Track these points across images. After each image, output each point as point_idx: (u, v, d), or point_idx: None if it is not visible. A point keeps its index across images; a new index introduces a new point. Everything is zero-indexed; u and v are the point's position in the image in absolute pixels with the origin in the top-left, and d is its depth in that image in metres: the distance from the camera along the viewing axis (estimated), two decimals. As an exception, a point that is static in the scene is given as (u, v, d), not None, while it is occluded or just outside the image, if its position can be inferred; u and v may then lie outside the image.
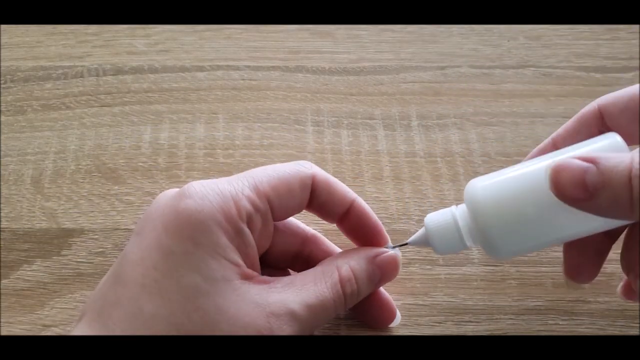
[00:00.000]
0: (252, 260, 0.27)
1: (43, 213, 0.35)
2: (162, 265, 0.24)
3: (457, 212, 0.28)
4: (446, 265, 0.33)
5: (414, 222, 0.35)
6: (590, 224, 0.25)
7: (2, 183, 0.36)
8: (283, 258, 0.30)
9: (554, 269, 0.33)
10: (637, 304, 0.32)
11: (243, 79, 0.41)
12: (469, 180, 0.35)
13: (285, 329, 0.25)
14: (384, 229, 0.30)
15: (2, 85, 0.40)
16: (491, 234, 0.26)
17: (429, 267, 0.33)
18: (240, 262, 0.26)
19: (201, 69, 0.41)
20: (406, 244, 0.29)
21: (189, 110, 0.39)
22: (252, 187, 0.27)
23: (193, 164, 0.37)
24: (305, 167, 0.29)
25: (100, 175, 0.37)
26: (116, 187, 0.36)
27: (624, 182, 0.22)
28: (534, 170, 0.26)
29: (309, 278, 0.27)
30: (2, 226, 0.35)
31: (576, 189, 0.23)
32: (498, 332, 0.31)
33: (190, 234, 0.25)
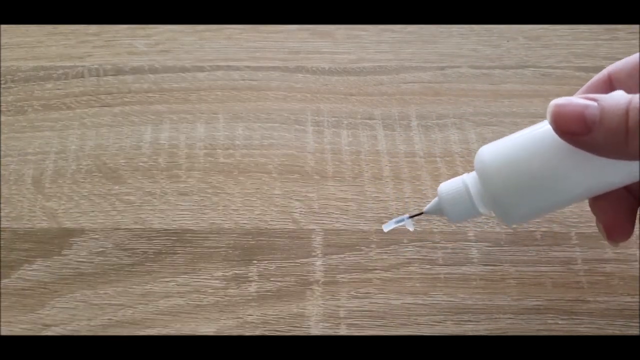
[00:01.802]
0: None
1: (44, 213, 0.35)
2: None
3: (468, 179, 0.28)
4: (446, 265, 0.33)
5: (413, 222, 0.35)
6: (601, 178, 0.25)
7: (2, 183, 0.36)
8: None
9: (554, 269, 0.33)
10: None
11: (243, 79, 0.41)
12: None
13: None
14: None
15: (2, 86, 0.40)
16: (501, 198, 0.26)
17: (428, 266, 0.33)
18: None
19: (201, 69, 0.41)
20: (421, 213, 0.29)
21: (189, 110, 0.39)
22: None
23: (193, 164, 0.37)
24: None
25: (100, 175, 0.37)
26: (117, 187, 0.36)
27: (621, 114, 0.22)
28: (540, 130, 0.26)
29: None
30: (2, 226, 0.35)
31: (575, 123, 0.23)
32: (497, 332, 0.32)
33: None
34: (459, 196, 0.28)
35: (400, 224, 0.30)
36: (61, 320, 0.32)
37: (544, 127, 0.26)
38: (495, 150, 0.26)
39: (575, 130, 0.23)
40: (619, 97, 0.23)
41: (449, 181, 0.28)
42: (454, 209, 0.28)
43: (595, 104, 0.23)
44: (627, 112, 0.22)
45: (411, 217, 0.30)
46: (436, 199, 0.29)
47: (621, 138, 0.22)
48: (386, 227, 0.31)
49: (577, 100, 0.23)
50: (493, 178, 0.26)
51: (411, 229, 0.31)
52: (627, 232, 0.28)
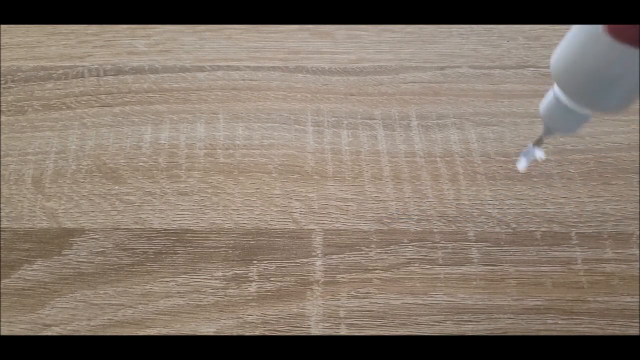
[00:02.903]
0: None
1: (44, 213, 0.35)
2: None
3: (556, 91, 0.27)
4: (445, 265, 0.33)
5: (413, 222, 0.35)
6: None
7: (2, 183, 0.36)
8: None
9: (554, 269, 0.33)
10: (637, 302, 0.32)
11: (243, 79, 0.41)
12: (468, 180, 0.36)
13: None
14: None
15: (2, 86, 0.40)
16: (586, 103, 0.26)
17: (428, 266, 0.33)
18: None
19: (201, 69, 0.41)
20: (541, 138, 0.29)
21: (190, 110, 0.39)
22: None
23: (193, 164, 0.37)
24: None
25: (100, 175, 0.37)
26: (117, 187, 0.36)
27: None
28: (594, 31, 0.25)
29: None
30: (3, 226, 0.35)
31: (632, 29, 0.22)
32: (497, 332, 0.32)
33: None
34: (557, 110, 0.27)
35: (532, 157, 0.30)
36: (61, 320, 0.32)
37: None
38: (559, 58, 0.26)
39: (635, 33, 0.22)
40: None
41: (544, 99, 0.28)
42: (561, 123, 0.28)
43: None
44: None
45: (535, 145, 0.30)
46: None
47: None
48: (520, 165, 0.31)
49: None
50: (566, 86, 0.26)
51: (543, 156, 0.30)
52: None
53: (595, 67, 0.25)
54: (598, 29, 0.24)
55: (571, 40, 0.26)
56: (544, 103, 0.28)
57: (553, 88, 0.28)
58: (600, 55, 0.25)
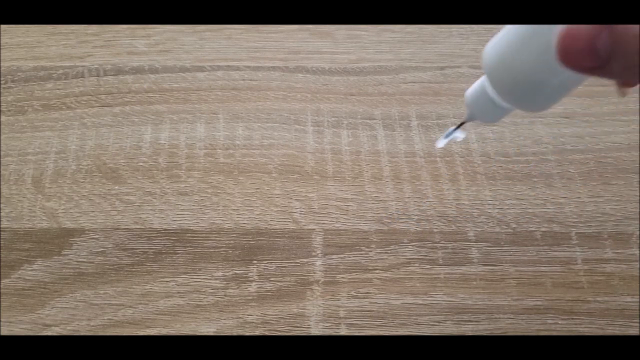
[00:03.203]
0: None
1: (44, 213, 0.35)
2: None
3: (485, 80, 0.28)
4: (446, 265, 0.33)
5: (413, 222, 0.35)
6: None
7: (2, 183, 0.36)
8: None
9: (554, 269, 0.33)
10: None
11: (243, 79, 0.41)
12: (468, 180, 0.36)
13: None
14: None
15: (2, 86, 0.40)
16: (510, 99, 0.26)
17: (428, 266, 0.33)
18: None
19: (201, 69, 0.41)
20: (463, 122, 0.30)
21: (190, 110, 0.39)
22: None
23: (193, 164, 0.37)
24: None
25: (101, 175, 0.37)
26: (117, 187, 0.36)
27: (636, 40, 0.20)
28: (531, 30, 0.25)
29: None
30: (2, 226, 0.35)
31: (586, 57, 0.21)
32: (497, 332, 0.32)
33: None
34: (482, 99, 0.28)
35: (450, 137, 0.31)
36: (61, 320, 0.32)
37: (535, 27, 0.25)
38: (494, 52, 0.26)
39: (588, 65, 0.21)
40: (632, 25, 0.21)
41: (472, 86, 0.29)
42: (483, 112, 0.28)
43: (605, 31, 0.21)
44: None
45: (457, 127, 0.31)
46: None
47: (638, 64, 0.20)
48: (439, 143, 0.31)
49: (586, 30, 0.21)
50: (494, 80, 0.26)
51: (462, 137, 0.31)
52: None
53: (532, 71, 0.25)
54: (548, 37, 0.23)
55: (511, 38, 0.26)
56: (471, 90, 0.29)
57: (483, 78, 0.28)
58: (542, 62, 0.24)
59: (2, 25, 0.43)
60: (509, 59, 0.25)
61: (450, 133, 0.31)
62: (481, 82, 0.28)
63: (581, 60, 0.21)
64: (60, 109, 0.39)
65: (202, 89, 0.40)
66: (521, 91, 0.25)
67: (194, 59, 0.42)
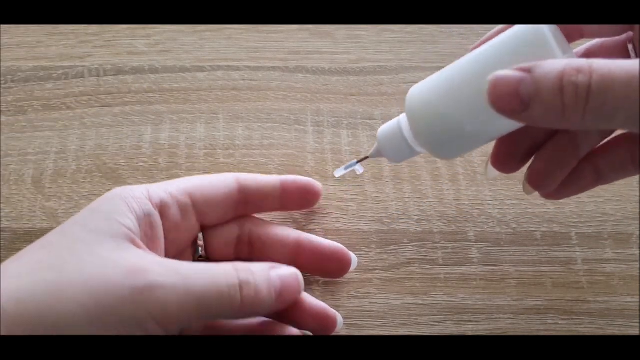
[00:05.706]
0: (156, 244, 0.28)
1: (44, 213, 0.35)
2: (59, 228, 0.26)
3: (402, 120, 0.28)
4: (446, 265, 0.33)
5: (413, 222, 0.35)
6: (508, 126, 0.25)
7: (2, 183, 0.36)
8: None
9: (554, 269, 0.33)
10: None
11: (243, 79, 0.41)
12: (468, 180, 0.36)
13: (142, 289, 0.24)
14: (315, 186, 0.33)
15: (2, 86, 0.40)
16: (424, 141, 0.27)
17: (428, 266, 0.33)
18: (134, 230, 0.26)
19: (201, 69, 0.41)
20: (367, 157, 0.31)
21: (190, 110, 0.39)
22: (171, 183, 0.30)
23: (193, 164, 0.37)
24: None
25: (101, 175, 0.37)
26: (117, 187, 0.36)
27: (555, 88, 0.21)
28: (460, 75, 0.26)
29: (202, 266, 0.26)
30: (2, 226, 0.35)
31: (512, 101, 0.22)
32: (497, 332, 0.32)
33: (97, 205, 0.27)
34: (395, 138, 0.28)
35: (350, 169, 0.33)
36: (61, 320, 0.32)
37: (464, 72, 0.26)
38: (418, 94, 0.27)
39: (513, 108, 0.22)
40: (552, 68, 0.21)
41: (387, 123, 0.29)
42: (392, 150, 0.29)
43: (529, 77, 0.22)
44: (561, 86, 0.21)
45: (359, 161, 0.32)
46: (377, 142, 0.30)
47: (558, 113, 0.21)
48: (337, 173, 0.33)
49: (511, 74, 0.22)
50: (414, 122, 0.27)
51: (360, 170, 0.33)
52: (518, 167, 0.29)
53: (457, 116, 0.25)
54: (480, 84, 0.23)
55: (441, 84, 0.26)
56: (385, 128, 0.29)
57: (399, 118, 0.28)
58: (469, 109, 0.25)
59: (2, 25, 0.43)
60: (435, 103, 0.26)
61: (351, 165, 0.33)
62: (397, 121, 0.29)
63: (507, 104, 0.22)
64: (60, 109, 0.39)
65: (202, 89, 0.40)
66: (440, 136, 0.26)
67: (194, 59, 0.42)
